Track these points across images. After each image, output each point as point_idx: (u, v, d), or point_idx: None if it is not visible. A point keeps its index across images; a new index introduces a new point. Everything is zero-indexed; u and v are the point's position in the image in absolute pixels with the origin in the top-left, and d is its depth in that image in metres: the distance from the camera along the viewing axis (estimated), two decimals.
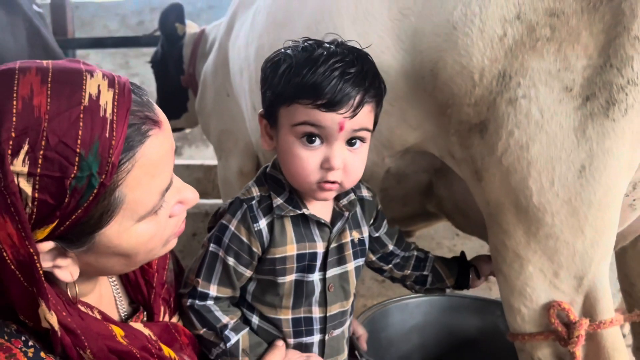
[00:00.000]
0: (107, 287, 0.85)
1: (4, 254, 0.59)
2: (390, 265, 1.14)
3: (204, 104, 1.99)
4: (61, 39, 3.34)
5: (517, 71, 0.84)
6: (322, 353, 1.00)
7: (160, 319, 0.88)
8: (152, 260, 0.78)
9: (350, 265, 1.01)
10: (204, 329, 0.94)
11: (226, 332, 0.93)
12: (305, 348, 0.99)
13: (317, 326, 0.99)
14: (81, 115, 0.59)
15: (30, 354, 0.64)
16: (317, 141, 0.87)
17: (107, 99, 0.62)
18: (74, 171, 0.59)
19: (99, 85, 0.62)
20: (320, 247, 0.97)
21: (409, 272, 1.15)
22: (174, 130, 2.78)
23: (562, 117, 0.82)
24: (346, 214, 0.99)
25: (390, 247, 1.13)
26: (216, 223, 0.96)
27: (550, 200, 0.84)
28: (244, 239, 0.92)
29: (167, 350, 0.81)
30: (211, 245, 0.94)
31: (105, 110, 0.61)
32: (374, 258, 1.13)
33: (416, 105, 1.01)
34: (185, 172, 3.98)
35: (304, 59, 0.86)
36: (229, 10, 2.03)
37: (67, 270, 0.66)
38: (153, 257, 0.77)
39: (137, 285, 0.87)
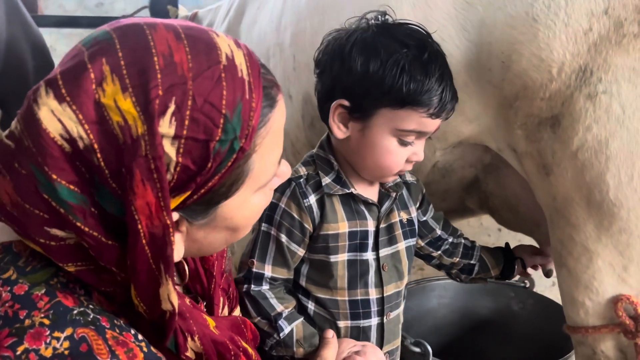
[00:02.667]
0: None
1: (139, 225, 0.53)
2: (440, 252, 1.14)
3: None
4: (31, 15, 3.13)
5: (600, 67, 0.85)
6: (380, 337, 1.00)
7: (220, 311, 0.83)
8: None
9: (401, 245, 1.02)
10: (259, 317, 0.92)
11: (280, 322, 0.91)
12: (363, 333, 0.98)
13: (374, 308, 0.98)
14: (223, 75, 0.55)
15: (144, 349, 0.58)
16: (414, 141, 0.91)
17: (240, 59, 0.57)
18: (219, 134, 0.55)
19: (229, 45, 0.58)
20: (371, 226, 0.97)
21: (457, 259, 1.15)
22: None
23: None
24: (393, 194, 1.00)
25: (438, 231, 1.13)
26: None
27: (628, 195, 0.85)
28: (295, 215, 0.93)
29: (245, 344, 0.77)
30: (263, 224, 0.94)
31: (242, 71, 0.57)
32: (422, 243, 1.12)
33: (476, 97, 1.00)
34: None
35: (416, 61, 0.85)
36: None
37: (175, 247, 0.60)
38: (244, 234, 0.72)
39: (197, 275, 0.81)
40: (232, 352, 0.70)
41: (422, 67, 0.85)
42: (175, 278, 0.80)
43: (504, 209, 1.19)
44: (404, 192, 1.05)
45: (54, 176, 0.52)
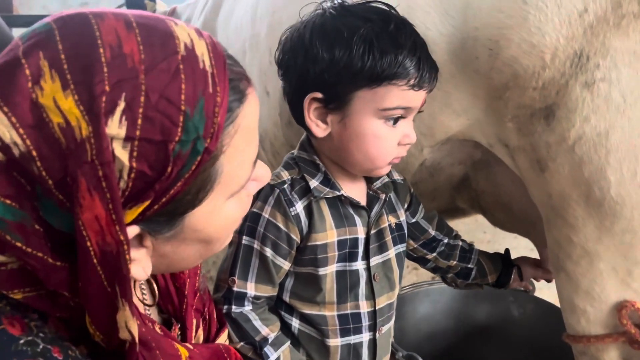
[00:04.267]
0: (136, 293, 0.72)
1: (88, 242, 0.46)
2: (435, 254, 1.06)
3: None
4: (5, 15, 3.05)
5: (597, 51, 0.77)
6: (373, 354, 0.93)
7: (193, 334, 0.76)
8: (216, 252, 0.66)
9: (392, 252, 0.94)
10: (242, 343, 0.83)
11: (265, 349, 0.83)
12: (354, 351, 0.90)
13: (366, 322, 0.90)
14: (181, 67, 0.48)
15: None
16: (400, 120, 0.82)
17: (202, 49, 0.51)
18: (179, 133, 0.48)
19: (189, 33, 0.51)
20: (361, 232, 0.89)
21: (454, 262, 1.07)
22: None
23: None
24: (382, 196, 0.92)
25: (432, 232, 1.05)
26: None
27: (631, 192, 0.78)
28: (281, 226, 0.84)
29: None
30: (244, 238, 0.85)
31: (203, 62, 0.50)
32: (415, 245, 1.05)
33: (463, 89, 0.92)
34: None
35: (383, 32, 0.77)
36: None
37: (140, 265, 0.53)
38: (222, 246, 0.64)
39: (168, 294, 0.74)
40: None
41: (391, 38, 0.78)
42: (147, 297, 0.73)
43: (497, 208, 1.11)
44: (392, 194, 0.97)
45: None
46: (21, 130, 0.44)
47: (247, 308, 0.84)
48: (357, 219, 0.89)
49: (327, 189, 0.86)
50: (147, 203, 0.49)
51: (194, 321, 0.76)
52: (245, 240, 0.85)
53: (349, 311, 0.89)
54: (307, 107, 0.83)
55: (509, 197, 1.05)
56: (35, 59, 0.45)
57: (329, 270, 0.87)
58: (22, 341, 0.49)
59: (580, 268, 0.84)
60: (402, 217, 0.98)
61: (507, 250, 1.13)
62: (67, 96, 0.44)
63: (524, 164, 0.89)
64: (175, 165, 0.48)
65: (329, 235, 0.86)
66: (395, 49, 0.77)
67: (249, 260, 0.85)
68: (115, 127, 0.45)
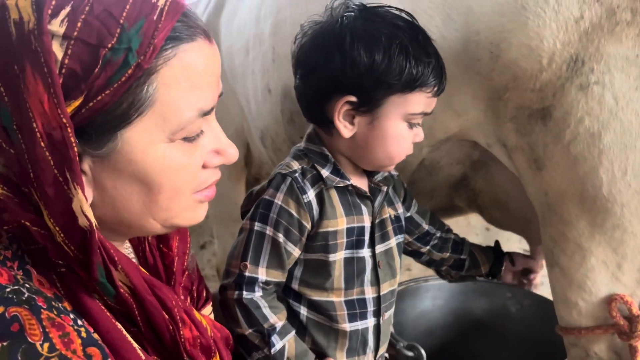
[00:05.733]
0: None
1: (34, 124, 0.52)
2: (429, 247, 1.10)
3: None
4: None
5: (592, 56, 0.81)
6: (377, 339, 0.96)
7: None
8: (175, 223, 0.67)
9: (393, 242, 0.99)
10: (250, 330, 0.85)
11: (273, 337, 0.86)
12: (361, 336, 0.94)
13: (371, 308, 0.94)
14: None
15: (83, 334, 0.55)
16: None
17: None
18: (112, 41, 0.53)
19: None
20: (367, 221, 0.93)
21: (447, 254, 1.10)
22: None
23: (638, 104, 0.80)
24: (384, 188, 0.97)
25: (425, 225, 1.09)
26: (251, 205, 0.90)
27: (622, 190, 0.82)
28: (294, 212, 0.87)
29: (199, 316, 0.72)
30: (256, 224, 0.87)
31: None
32: (410, 239, 1.09)
33: (464, 90, 0.96)
34: None
35: (414, 42, 0.83)
36: None
37: (84, 192, 0.56)
38: (177, 212, 0.65)
39: (156, 270, 0.77)
40: (174, 306, 0.64)
41: (422, 48, 0.84)
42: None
43: (494, 206, 1.15)
44: (390, 187, 1.01)
45: None
46: None
47: (258, 294, 0.87)
48: (364, 208, 0.93)
49: (338, 179, 0.90)
50: (77, 102, 0.53)
51: (183, 297, 0.79)
52: (257, 226, 0.87)
53: (355, 297, 0.93)
54: (339, 109, 0.86)
55: (506, 196, 1.09)
56: None
57: (338, 257, 0.90)
58: (8, 289, 0.53)
59: (574, 263, 0.88)
60: (400, 210, 1.02)
61: (497, 242, 1.17)
62: None
63: (521, 163, 0.93)
64: (104, 70, 0.53)
65: (339, 222, 0.90)
66: (426, 58, 0.84)
67: (261, 246, 0.87)
68: (57, 25, 0.52)
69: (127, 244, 0.75)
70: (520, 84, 0.87)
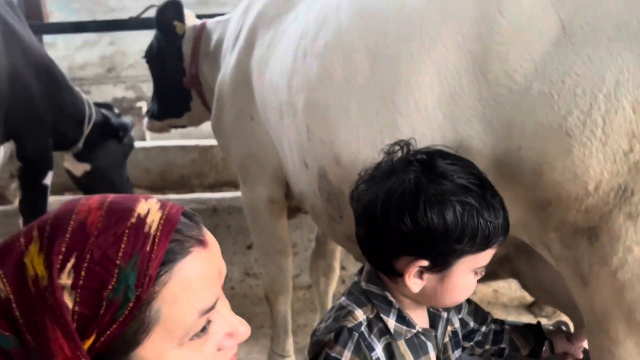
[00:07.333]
0: None
1: None
2: (472, 343, 1.11)
3: (222, 123, 1.85)
4: (36, 23, 3.08)
5: None
6: None
7: None
8: None
9: (452, 358, 1.01)
10: None
11: None
12: None
13: None
14: (126, 231, 0.61)
15: None
16: None
17: (154, 217, 0.63)
18: (112, 282, 0.59)
19: (149, 208, 0.64)
20: (433, 357, 0.95)
21: (488, 346, 1.12)
22: (175, 127, 2.64)
23: None
24: (444, 315, 0.98)
25: (472, 324, 1.10)
26: (318, 353, 0.90)
27: None
28: None
29: None
30: None
31: (150, 227, 0.62)
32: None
33: (506, 193, 0.93)
34: (180, 154, 3.84)
35: (483, 201, 0.84)
36: (239, 15, 1.85)
37: None
38: None
39: None
40: None
41: (491, 206, 0.85)
42: None
43: (538, 289, 1.14)
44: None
45: None
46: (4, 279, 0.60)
47: None
48: (429, 345, 0.94)
49: (404, 327, 0.90)
50: (91, 340, 0.59)
51: None
52: None
53: None
54: (410, 270, 0.86)
55: (551, 284, 1.08)
56: (30, 229, 0.61)
57: None
58: None
59: None
60: (457, 325, 1.03)
61: (538, 323, 1.16)
62: (40, 255, 0.59)
63: (566, 273, 0.91)
64: (108, 309, 0.59)
65: None
66: (495, 219, 0.84)
67: None
68: (65, 278, 0.58)
69: None
70: (564, 204, 0.85)
